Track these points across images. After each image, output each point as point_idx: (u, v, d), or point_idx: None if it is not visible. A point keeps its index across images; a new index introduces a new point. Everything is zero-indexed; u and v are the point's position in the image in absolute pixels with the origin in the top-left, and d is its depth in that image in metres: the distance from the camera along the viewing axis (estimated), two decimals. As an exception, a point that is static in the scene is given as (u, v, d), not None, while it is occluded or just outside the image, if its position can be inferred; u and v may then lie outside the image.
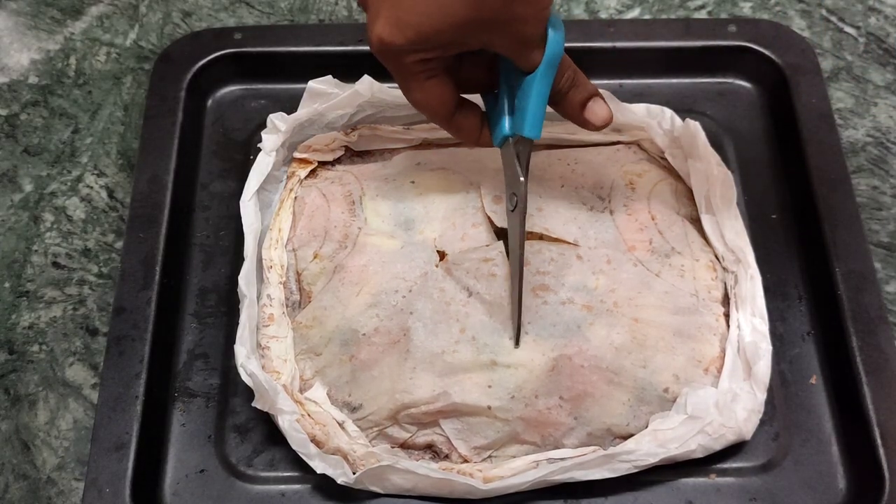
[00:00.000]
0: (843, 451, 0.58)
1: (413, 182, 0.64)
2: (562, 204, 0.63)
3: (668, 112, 0.66)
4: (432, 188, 0.64)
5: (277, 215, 0.64)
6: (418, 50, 0.48)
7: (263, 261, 0.62)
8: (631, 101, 0.65)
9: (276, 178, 0.66)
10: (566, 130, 0.66)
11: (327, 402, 0.57)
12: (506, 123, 0.53)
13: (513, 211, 0.55)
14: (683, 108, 0.69)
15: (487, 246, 0.60)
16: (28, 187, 0.71)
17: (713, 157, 0.65)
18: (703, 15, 0.79)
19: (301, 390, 0.58)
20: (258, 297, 0.60)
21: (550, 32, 0.49)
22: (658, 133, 0.65)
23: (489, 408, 0.55)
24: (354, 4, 0.80)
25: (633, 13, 0.79)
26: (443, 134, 0.68)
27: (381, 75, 0.67)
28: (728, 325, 0.59)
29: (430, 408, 0.55)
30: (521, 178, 0.53)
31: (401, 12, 0.46)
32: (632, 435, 0.56)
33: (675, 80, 0.70)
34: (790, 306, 0.63)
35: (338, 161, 0.67)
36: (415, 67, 0.49)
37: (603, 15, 0.79)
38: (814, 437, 0.58)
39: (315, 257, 0.62)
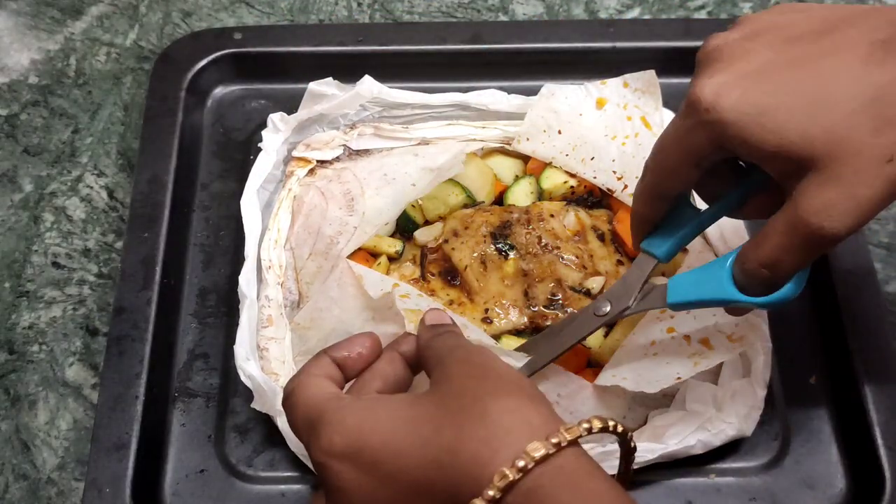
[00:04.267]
0: (843, 451, 0.58)
1: (414, 185, 0.64)
2: None
3: (668, 112, 0.66)
4: (431, 187, 0.64)
5: (276, 215, 0.64)
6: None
7: (262, 261, 0.62)
8: (631, 101, 0.66)
9: (276, 177, 0.66)
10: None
11: (327, 401, 0.57)
12: (669, 247, 0.50)
13: (595, 315, 0.52)
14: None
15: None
16: (28, 187, 0.71)
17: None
18: (703, 15, 0.79)
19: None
20: (258, 298, 0.60)
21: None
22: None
23: None
24: (355, 4, 0.80)
25: (633, 13, 0.79)
26: (442, 133, 0.68)
27: (382, 75, 0.68)
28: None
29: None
30: (631, 303, 0.51)
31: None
32: (630, 431, 0.56)
33: (675, 80, 0.69)
34: (790, 306, 0.63)
35: (337, 159, 0.67)
36: None
37: (603, 15, 0.79)
38: (814, 437, 0.58)
39: (311, 256, 0.62)
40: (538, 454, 0.36)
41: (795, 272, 0.43)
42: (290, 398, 0.44)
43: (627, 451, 0.43)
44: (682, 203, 0.49)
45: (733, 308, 0.49)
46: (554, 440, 0.36)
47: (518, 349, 0.54)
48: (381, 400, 0.43)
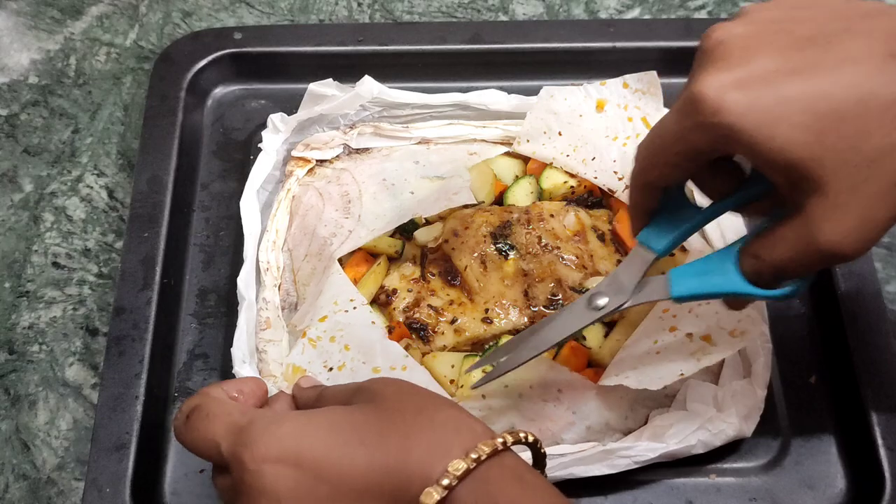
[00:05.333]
0: (843, 451, 0.58)
1: (412, 193, 0.64)
2: None
3: (666, 110, 0.66)
4: (431, 197, 0.64)
5: (275, 216, 0.64)
6: None
7: (260, 263, 0.62)
8: (631, 101, 0.66)
9: (276, 178, 0.66)
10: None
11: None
12: (670, 241, 0.48)
13: (591, 308, 0.49)
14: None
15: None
16: (28, 187, 0.71)
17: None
18: (703, 15, 0.79)
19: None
20: (256, 300, 0.60)
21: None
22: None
23: (483, 396, 0.55)
24: (355, 4, 0.80)
25: (633, 13, 0.79)
26: (443, 133, 0.68)
27: (382, 75, 0.68)
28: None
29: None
30: (629, 297, 0.49)
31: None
32: (631, 430, 0.56)
33: (675, 80, 0.69)
34: (790, 306, 0.63)
35: (337, 158, 0.67)
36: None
37: (603, 15, 0.79)
38: (814, 437, 0.58)
39: (306, 257, 0.62)
40: (488, 449, 0.38)
41: (805, 276, 0.44)
42: (198, 411, 0.42)
43: (539, 457, 0.44)
44: (681, 199, 0.49)
45: (734, 301, 0.49)
46: (500, 440, 0.39)
47: (506, 344, 0.54)
48: (317, 410, 0.42)
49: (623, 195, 0.62)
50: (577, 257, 0.60)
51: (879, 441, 0.56)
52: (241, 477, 0.39)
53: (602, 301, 0.49)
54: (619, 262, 0.61)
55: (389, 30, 0.74)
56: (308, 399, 0.46)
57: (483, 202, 0.65)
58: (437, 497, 0.36)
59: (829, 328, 0.61)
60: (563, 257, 0.60)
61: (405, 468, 0.38)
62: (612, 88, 0.66)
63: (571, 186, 0.65)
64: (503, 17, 0.79)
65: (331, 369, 0.56)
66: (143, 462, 0.56)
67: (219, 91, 0.73)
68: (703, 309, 0.56)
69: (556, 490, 0.39)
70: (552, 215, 0.62)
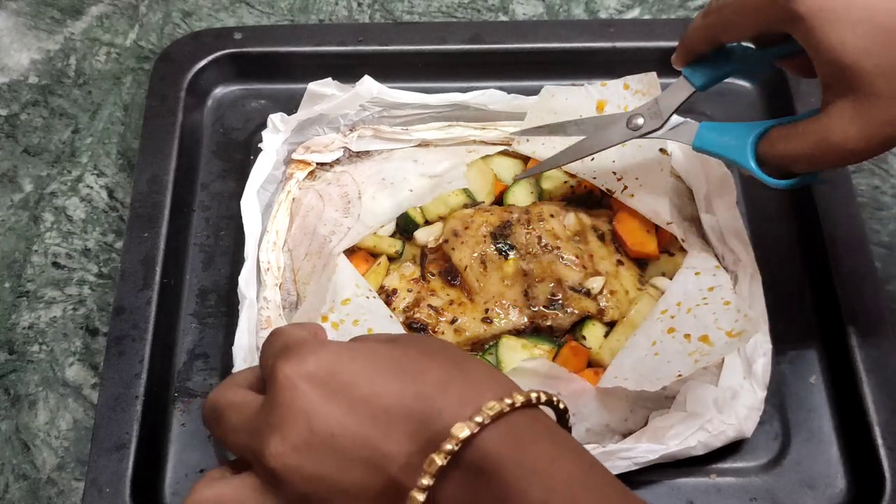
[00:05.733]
0: (843, 451, 0.58)
1: (411, 190, 0.64)
2: None
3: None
4: (430, 194, 0.64)
5: (275, 217, 0.64)
6: None
7: (260, 263, 0.62)
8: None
9: (276, 178, 0.66)
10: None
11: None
12: (709, 78, 0.53)
13: (628, 128, 0.56)
14: (683, 109, 0.68)
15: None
16: (28, 187, 0.71)
17: (713, 156, 0.65)
18: (703, 15, 0.78)
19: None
20: (257, 299, 0.60)
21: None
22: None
23: None
24: (355, 4, 0.80)
25: (633, 13, 0.79)
26: (442, 135, 0.68)
27: (381, 75, 0.68)
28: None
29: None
30: (662, 124, 0.54)
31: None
32: (631, 432, 0.56)
33: (675, 81, 0.69)
34: (790, 306, 0.63)
35: (337, 162, 0.67)
36: None
37: (603, 15, 0.79)
38: (814, 437, 0.58)
39: (306, 256, 0.62)
40: (522, 398, 0.37)
41: (810, 172, 0.49)
42: (277, 330, 0.43)
43: (564, 426, 0.43)
44: (726, 46, 0.52)
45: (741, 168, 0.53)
46: (534, 395, 0.38)
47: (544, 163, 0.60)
48: (358, 341, 0.43)
49: (622, 195, 0.62)
50: (577, 257, 0.60)
51: (879, 441, 0.56)
52: (273, 393, 0.39)
53: (640, 121, 0.55)
54: (619, 262, 0.61)
55: (389, 30, 0.74)
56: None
57: (483, 202, 0.65)
58: (468, 432, 0.36)
59: (829, 328, 0.61)
60: (562, 257, 0.60)
61: (439, 400, 0.37)
62: (612, 89, 0.66)
63: (571, 186, 0.65)
64: (503, 17, 0.79)
65: None
66: (143, 462, 0.56)
67: (219, 91, 0.73)
68: (701, 310, 0.56)
69: (587, 451, 0.39)
70: (552, 215, 0.62)
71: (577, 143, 0.58)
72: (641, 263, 0.63)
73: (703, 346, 0.55)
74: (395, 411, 0.37)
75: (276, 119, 0.66)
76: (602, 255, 0.61)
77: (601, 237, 0.62)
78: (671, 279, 0.60)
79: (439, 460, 0.36)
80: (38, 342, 0.64)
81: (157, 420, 0.59)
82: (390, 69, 0.70)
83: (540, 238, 0.61)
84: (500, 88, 0.68)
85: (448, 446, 0.36)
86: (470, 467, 0.36)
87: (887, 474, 0.55)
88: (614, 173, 0.63)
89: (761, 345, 0.57)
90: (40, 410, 0.61)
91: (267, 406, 0.39)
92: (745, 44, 0.52)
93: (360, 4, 0.80)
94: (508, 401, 0.37)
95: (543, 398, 0.39)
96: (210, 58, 0.72)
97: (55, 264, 0.67)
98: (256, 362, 0.57)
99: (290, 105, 0.68)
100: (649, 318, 0.57)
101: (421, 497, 0.36)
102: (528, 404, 0.37)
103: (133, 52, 0.78)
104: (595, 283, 0.60)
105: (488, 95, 0.68)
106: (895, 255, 0.67)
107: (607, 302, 0.59)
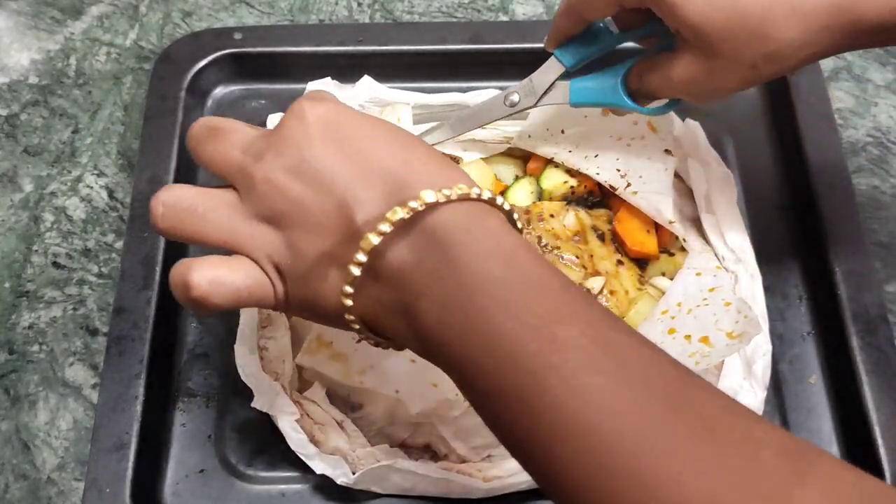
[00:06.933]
0: (843, 451, 0.58)
1: None
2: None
3: (674, 116, 0.66)
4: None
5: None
6: None
7: (262, 262, 0.62)
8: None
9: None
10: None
11: (326, 401, 0.57)
12: (579, 59, 0.57)
13: (505, 105, 0.59)
14: (683, 108, 0.68)
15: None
16: (28, 187, 0.71)
17: (713, 157, 0.65)
18: (703, 15, 0.78)
19: (300, 390, 0.58)
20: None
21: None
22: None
23: None
24: (355, 4, 0.80)
25: (633, 13, 0.79)
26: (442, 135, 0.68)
27: (381, 75, 0.68)
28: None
29: (427, 406, 0.55)
30: (536, 99, 0.58)
31: None
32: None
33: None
34: (790, 306, 0.63)
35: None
36: None
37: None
38: (814, 437, 0.58)
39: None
40: (489, 194, 0.41)
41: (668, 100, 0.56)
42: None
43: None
44: (595, 26, 0.57)
45: (617, 111, 0.60)
46: (499, 199, 0.42)
47: (425, 132, 0.61)
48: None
49: (624, 192, 0.62)
50: (577, 257, 0.60)
51: (879, 441, 0.56)
52: (283, 120, 0.43)
53: (515, 98, 0.59)
54: (619, 261, 0.61)
55: (389, 30, 0.74)
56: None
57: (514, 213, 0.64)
58: (434, 198, 0.38)
59: (829, 328, 0.61)
60: (563, 257, 0.60)
61: (420, 172, 0.41)
62: None
63: (571, 186, 0.65)
64: (503, 17, 0.79)
65: (359, 340, 0.56)
66: (143, 462, 0.56)
67: (219, 91, 0.73)
68: (702, 311, 0.56)
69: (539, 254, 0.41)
70: (552, 215, 0.62)
71: (460, 121, 0.61)
72: (641, 263, 0.63)
73: (703, 347, 0.55)
74: (381, 168, 0.41)
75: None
76: (602, 255, 0.61)
77: (601, 237, 0.62)
78: (671, 279, 0.60)
79: (402, 212, 0.38)
80: (38, 342, 0.64)
81: (157, 420, 0.59)
82: (390, 69, 0.70)
83: (540, 238, 0.61)
84: (500, 88, 0.68)
85: (413, 204, 0.38)
86: (425, 230, 0.39)
87: (887, 474, 0.55)
88: (618, 170, 0.63)
89: (761, 345, 0.57)
90: (40, 410, 0.61)
91: (272, 132, 0.43)
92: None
93: (360, 4, 0.80)
94: (477, 191, 0.40)
95: (507, 206, 0.42)
96: (210, 58, 0.72)
97: (55, 264, 0.67)
98: (258, 361, 0.57)
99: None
100: (649, 319, 0.57)
101: (375, 240, 0.38)
102: (494, 203, 0.41)
103: (133, 52, 0.78)
104: (595, 283, 0.60)
105: (488, 95, 0.68)
106: (895, 255, 0.67)
107: (607, 302, 0.59)
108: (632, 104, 0.56)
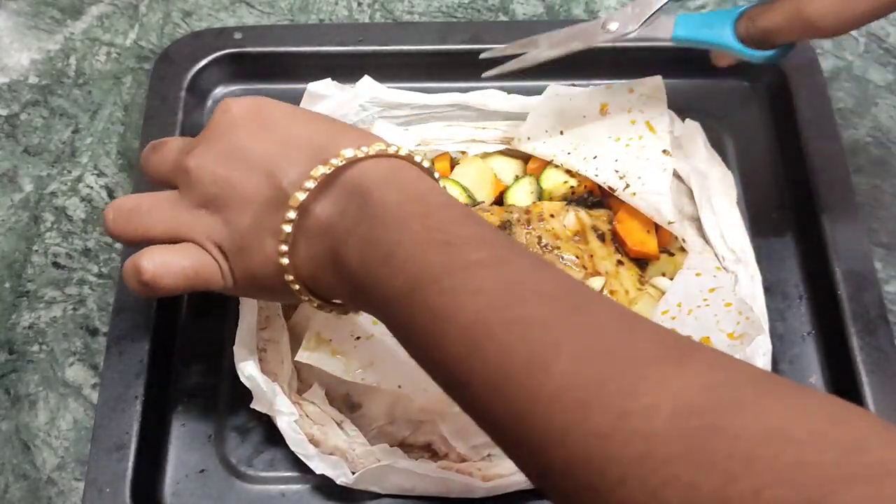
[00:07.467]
0: (843, 451, 0.58)
1: None
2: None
3: (669, 112, 0.66)
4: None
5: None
6: None
7: (261, 261, 0.62)
8: (631, 101, 0.65)
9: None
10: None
11: (325, 402, 0.57)
12: None
13: (602, 29, 0.57)
14: (683, 108, 0.68)
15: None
16: (28, 187, 0.71)
17: (713, 157, 0.65)
18: (703, 15, 0.78)
19: (299, 391, 0.58)
20: (258, 298, 0.60)
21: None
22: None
23: None
24: (355, 4, 0.80)
25: (633, 13, 0.79)
26: (442, 135, 0.68)
27: (381, 75, 0.68)
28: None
29: (427, 405, 0.55)
30: (637, 27, 0.56)
31: None
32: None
33: (675, 80, 0.69)
34: (790, 306, 0.63)
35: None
36: None
37: (603, 15, 0.79)
38: (814, 437, 0.58)
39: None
40: (405, 151, 0.45)
41: (786, 44, 0.54)
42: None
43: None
44: None
45: (720, 56, 0.58)
46: (416, 156, 0.46)
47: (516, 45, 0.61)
48: None
49: (623, 194, 0.62)
50: (577, 257, 0.60)
51: (879, 441, 0.56)
52: (212, 117, 0.48)
53: (613, 26, 0.57)
54: (619, 262, 0.61)
55: (389, 30, 0.74)
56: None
57: (483, 202, 0.65)
58: (353, 154, 0.43)
59: (829, 329, 0.61)
60: (563, 257, 0.60)
61: (337, 138, 0.45)
62: (616, 92, 0.66)
63: (571, 186, 0.65)
64: (503, 17, 0.79)
65: (358, 338, 0.56)
66: (143, 462, 0.56)
67: (219, 91, 0.73)
68: (702, 311, 0.56)
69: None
70: (552, 215, 0.62)
71: (557, 37, 0.60)
72: (641, 263, 0.63)
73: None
74: (301, 142, 0.45)
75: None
76: (602, 255, 0.61)
77: (601, 237, 0.62)
78: (671, 279, 0.60)
79: (324, 169, 0.43)
80: (38, 342, 0.64)
81: (157, 420, 0.59)
82: (390, 69, 0.70)
83: (540, 238, 0.61)
84: (500, 88, 0.68)
85: (334, 161, 0.43)
86: (346, 183, 0.43)
87: (887, 474, 0.55)
88: (616, 171, 0.63)
89: (761, 345, 0.57)
90: (40, 410, 0.61)
91: (205, 132, 0.48)
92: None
93: (360, 4, 0.80)
94: (395, 148, 0.44)
95: (427, 164, 0.46)
96: (210, 58, 0.72)
97: (55, 264, 0.67)
98: (257, 363, 0.57)
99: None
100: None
101: (301, 196, 0.43)
102: (411, 159, 0.45)
103: (133, 52, 0.78)
104: (595, 283, 0.60)
105: (488, 95, 0.68)
106: (895, 255, 0.67)
107: (607, 302, 0.59)
108: (740, 46, 0.54)
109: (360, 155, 0.43)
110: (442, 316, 0.38)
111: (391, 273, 0.40)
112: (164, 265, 0.46)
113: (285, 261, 0.44)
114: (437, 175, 0.47)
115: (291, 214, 0.43)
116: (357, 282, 0.42)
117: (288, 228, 0.43)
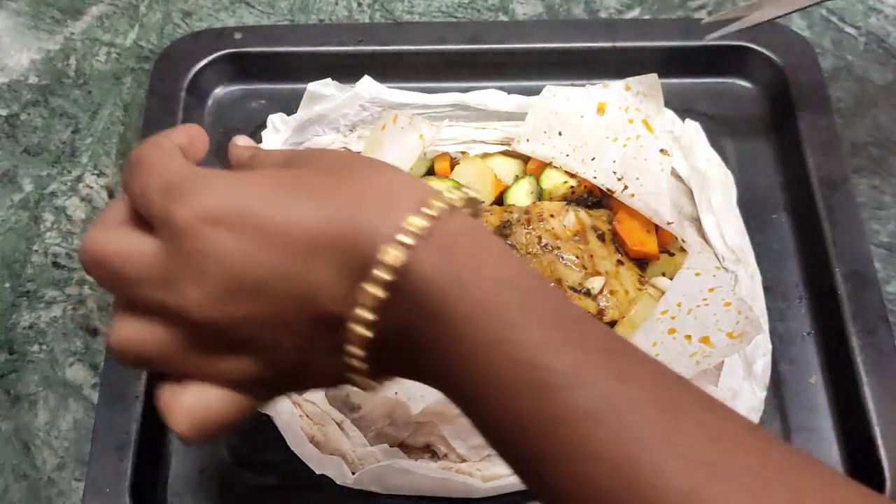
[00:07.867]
0: (842, 452, 0.58)
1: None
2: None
3: (669, 112, 0.66)
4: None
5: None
6: None
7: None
8: (631, 101, 0.65)
9: (275, 178, 0.66)
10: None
11: (325, 402, 0.57)
12: None
13: None
14: (683, 108, 0.69)
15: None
16: (28, 187, 0.71)
17: (713, 157, 0.65)
18: (702, 15, 0.78)
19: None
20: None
21: None
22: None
23: None
24: (355, 4, 0.80)
25: (633, 13, 0.79)
26: (442, 135, 0.68)
27: (382, 75, 0.68)
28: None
29: (427, 405, 0.55)
30: None
31: None
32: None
33: (675, 80, 0.70)
34: (790, 306, 0.63)
35: (338, 161, 0.67)
36: None
37: (603, 15, 0.79)
38: (814, 437, 0.58)
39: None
40: (439, 204, 0.34)
41: None
42: (141, 158, 0.37)
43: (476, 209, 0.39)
44: None
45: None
46: (449, 195, 0.35)
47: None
48: (253, 169, 0.39)
49: (622, 195, 0.62)
50: (577, 257, 0.60)
51: (879, 441, 0.56)
52: (175, 242, 0.34)
53: None
54: (619, 262, 0.61)
55: (389, 30, 0.74)
56: (242, 159, 0.42)
57: (483, 202, 0.65)
58: (394, 255, 0.33)
59: (829, 328, 0.61)
60: (563, 257, 0.60)
61: (356, 220, 0.34)
62: (613, 90, 0.66)
63: (571, 186, 0.65)
64: (503, 17, 0.79)
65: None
66: (143, 462, 0.56)
67: (219, 91, 0.73)
68: (702, 311, 0.56)
69: (512, 253, 0.36)
70: (552, 215, 0.62)
71: None
72: (641, 263, 0.63)
73: (704, 347, 0.55)
74: (313, 239, 0.34)
75: (275, 119, 0.66)
76: (602, 255, 0.61)
77: (601, 237, 0.62)
78: (671, 279, 0.60)
79: (372, 289, 0.33)
80: (38, 342, 0.64)
81: (157, 420, 0.58)
82: (390, 69, 0.70)
83: (540, 238, 0.61)
84: (500, 88, 0.68)
85: (377, 273, 0.33)
86: (405, 296, 0.33)
87: (887, 474, 0.55)
88: (614, 173, 0.63)
89: (761, 345, 0.57)
90: (40, 410, 0.61)
91: (173, 255, 0.34)
92: None
93: (360, 4, 0.80)
94: (427, 211, 0.33)
95: (459, 200, 0.35)
96: (210, 58, 0.72)
97: (55, 264, 0.67)
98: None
99: (290, 105, 0.68)
100: (650, 319, 0.57)
101: (369, 333, 0.34)
102: (452, 209, 0.34)
103: (133, 52, 0.78)
104: (595, 283, 0.60)
105: (488, 95, 0.68)
106: (895, 255, 0.67)
107: (607, 302, 0.59)
108: None
109: (401, 258, 0.33)
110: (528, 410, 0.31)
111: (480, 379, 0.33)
112: (198, 427, 0.38)
113: (364, 366, 0.35)
114: (481, 205, 0.38)
115: (363, 330, 0.34)
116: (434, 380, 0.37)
117: (360, 352, 0.35)
